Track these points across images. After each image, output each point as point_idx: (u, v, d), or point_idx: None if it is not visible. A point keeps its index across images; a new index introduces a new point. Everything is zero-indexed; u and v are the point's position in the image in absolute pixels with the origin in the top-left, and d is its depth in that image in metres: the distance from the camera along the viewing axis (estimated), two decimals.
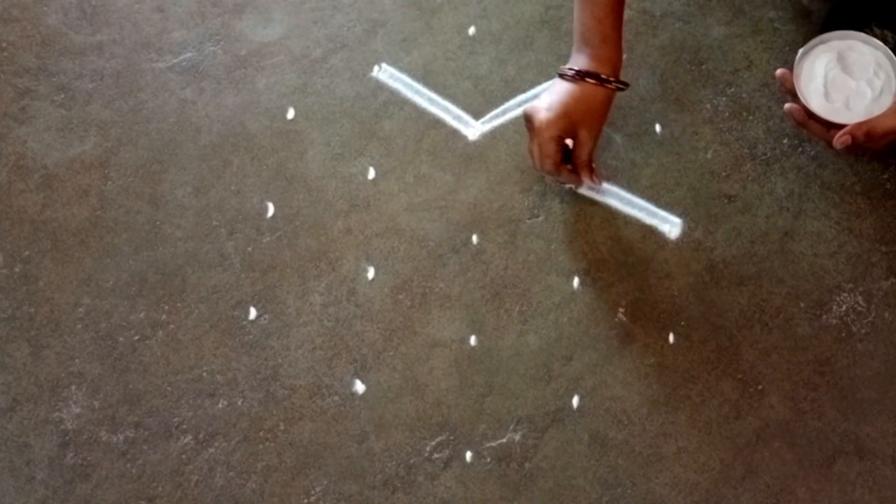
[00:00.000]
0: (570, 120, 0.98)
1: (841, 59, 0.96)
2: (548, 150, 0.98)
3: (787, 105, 0.97)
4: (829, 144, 0.93)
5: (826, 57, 0.96)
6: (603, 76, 0.98)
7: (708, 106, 1.15)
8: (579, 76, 0.98)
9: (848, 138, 0.90)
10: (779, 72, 0.97)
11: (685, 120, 1.15)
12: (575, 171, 1.03)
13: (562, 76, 0.99)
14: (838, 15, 1.14)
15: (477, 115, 1.16)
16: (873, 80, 0.95)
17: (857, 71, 0.96)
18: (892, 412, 0.99)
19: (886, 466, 0.97)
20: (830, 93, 0.95)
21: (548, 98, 0.99)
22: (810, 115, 0.95)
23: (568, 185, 1.09)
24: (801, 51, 0.97)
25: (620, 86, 1.00)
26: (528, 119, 0.99)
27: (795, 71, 0.96)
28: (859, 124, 0.91)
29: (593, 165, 1.04)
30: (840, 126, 0.92)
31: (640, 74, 1.17)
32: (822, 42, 0.98)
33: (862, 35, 0.97)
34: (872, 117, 0.92)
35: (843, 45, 0.97)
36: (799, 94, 0.95)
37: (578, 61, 1.00)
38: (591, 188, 1.09)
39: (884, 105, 0.93)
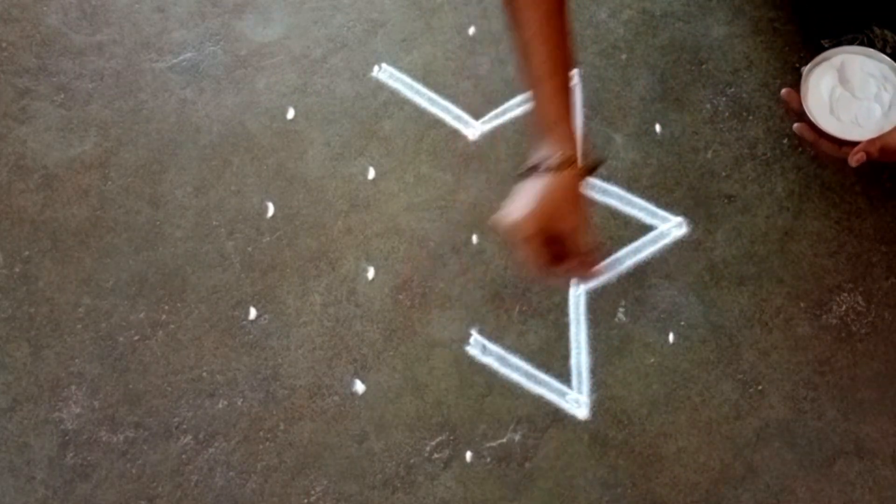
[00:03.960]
0: (540, 217, 0.84)
1: (846, 76, 0.94)
2: (527, 255, 0.85)
3: (795, 125, 0.93)
4: (843, 161, 0.91)
5: (831, 74, 0.94)
6: (560, 162, 0.84)
7: (708, 106, 1.15)
8: (537, 169, 0.85)
9: (863, 155, 0.88)
10: (784, 92, 0.93)
11: (685, 120, 1.15)
12: (571, 266, 0.88)
13: (523, 174, 0.86)
14: (839, 15, 1.14)
15: (477, 115, 1.16)
16: (881, 94, 0.92)
17: (864, 86, 0.93)
18: (892, 412, 0.99)
19: (886, 466, 0.97)
20: (838, 110, 0.91)
21: (513, 203, 0.85)
22: (821, 133, 0.93)
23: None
24: (804, 70, 0.95)
25: (582, 167, 0.87)
26: (502, 230, 0.85)
27: (802, 90, 0.93)
28: (872, 141, 0.88)
29: (587, 254, 0.89)
30: (852, 143, 0.90)
31: (640, 74, 1.17)
32: (825, 59, 0.95)
33: (865, 49, 0.95)
34: (885, 132, 0.90)
35: (848, 61, 0.95)
36: (808, 114, 0.92)
37: (535, 156, 0.87)
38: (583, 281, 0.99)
39: (894, 119, 0.91)
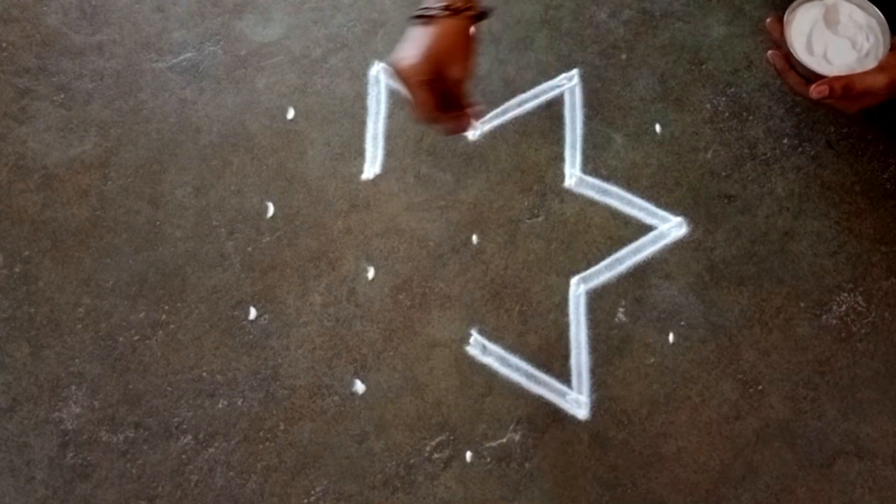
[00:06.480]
0: (434, 61, 0.91)
1: (832, 16, 0.95)
2: (420, 99, 0.92)
3: (769, 52, 0.96)
4: (806, 97, 0.91)
5: (819, 10, 0.96)
6: (453, 7, 0.90)
7: (708, 106, 1.15)
8: (429, 15, 0.91)
9: (826, 88, 0.89)
10: (769, 21, 0.95)
11: (685, 120, 1.15)
12: (456, 116, 0.95)
13: (415, 19, 0.93)
14: None
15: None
16: (860, 40, 0.94)
17: (847, 29, 0.95)
18: (892, 412, 0.99)
19: (886, 466, 0.97)
20: (814, 44, 0.93)
21: (406, 47, 0.92)
22: (792, 65, 0.94)
23: (456, 134, 1.02)
24: (796, 1, 0.97)
25: (473, 13, 0.92)
26: (395, 73, 0.92)
27: (786, 19, 0.95)
28: (838, 77, 0.89)
29: (472, 104, 0.96)
30: (819, 78, 0.92)
31: (640, 74, 1.17)
32: None
33: (862, 0, 0.97)
34: (854, 72, 0.91)
35: (840, 5, 0.96)
36: (787, 42, 0.94)
37: (428, 2, 0.93)
38: (472, 131, 1.08)
39: (867, 66, 0.92)
